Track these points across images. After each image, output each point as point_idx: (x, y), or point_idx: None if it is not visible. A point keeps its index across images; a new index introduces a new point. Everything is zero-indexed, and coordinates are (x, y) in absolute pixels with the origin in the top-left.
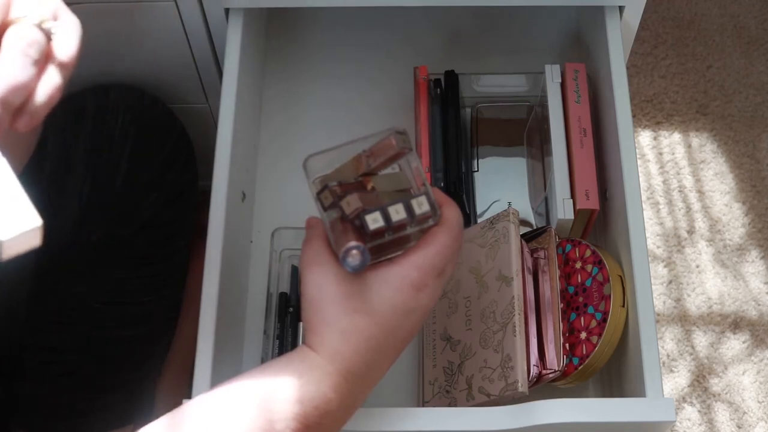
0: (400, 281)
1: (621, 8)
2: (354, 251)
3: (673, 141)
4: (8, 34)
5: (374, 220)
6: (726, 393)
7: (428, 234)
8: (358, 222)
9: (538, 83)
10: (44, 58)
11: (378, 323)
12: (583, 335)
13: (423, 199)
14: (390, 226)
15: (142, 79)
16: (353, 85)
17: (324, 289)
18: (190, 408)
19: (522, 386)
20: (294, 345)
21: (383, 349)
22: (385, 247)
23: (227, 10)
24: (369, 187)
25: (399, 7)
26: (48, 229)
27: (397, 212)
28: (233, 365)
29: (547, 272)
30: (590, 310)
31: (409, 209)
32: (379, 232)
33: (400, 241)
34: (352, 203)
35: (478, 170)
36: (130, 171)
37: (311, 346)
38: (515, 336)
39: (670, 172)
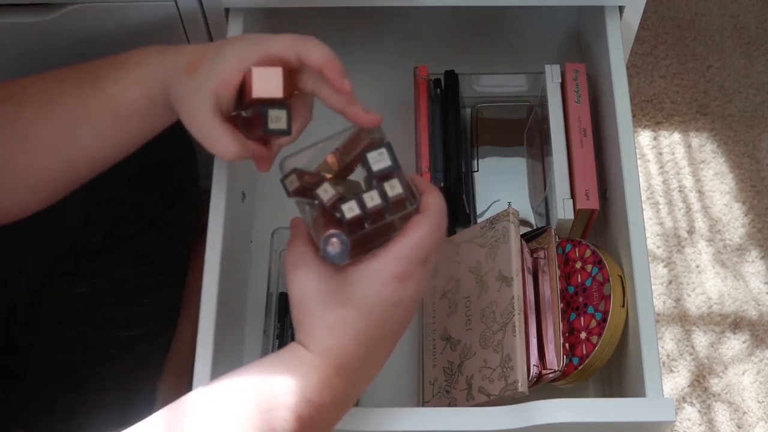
0: (383, 274)
1: (621, 8)
2: (333, 239)
3: (673, 141)
4: None
5: (350, 209)
6: (726, 393)
7: (409, 224)
8: (338, 214)
9: (538, 83)
10: None
11: (365, 317)
12: (583, 335)
13: (395, 181)
14: (366, 213)
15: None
16: (353, 84)
17: (309, 288)
18: (188, 401)
19: (522, 386)
20: None
21: (374, 342)
22: (368, 238)
23: (227, 10)
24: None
25: (399, 7)
26: (49, 230)
27: (372, 199)
28: (233, 365)
29: (547, 272)
30: (590, 310)
31: (383, 194)
32: (357, 221)
33: (383, 231)
34: (329, 190)
35: (478, 170)
36: (131, 171)
37: (301, 343)
38: (515, 336)
39: (670, 172)
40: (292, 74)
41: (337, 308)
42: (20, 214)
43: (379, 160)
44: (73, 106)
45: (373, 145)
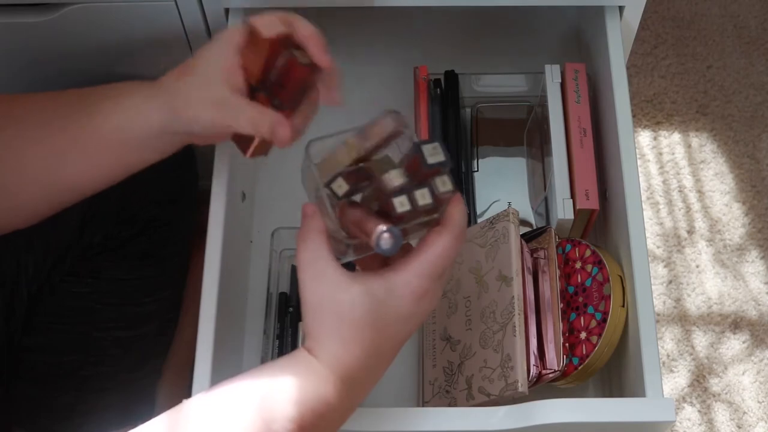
0: (402, 290)
1: (621, 8)
2: (385, 234)
3: (673, 141)
4: None
5: (401, 204)
6: (726, 393)
7: (429, 238)
8: (375, 205)
9: (538, 83)
10: None
11: (379, 331)
12: (583, 335)
13: (446, 177)
14: (416, 210)
15: (141, 79)
16: (353, 85)
17: (325, 296)
18: (189, 406)
19: (522, 386)
20: (294, 345)
21: (383, 354)
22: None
23: (227, 10)
24: (372, 172)
25: (399, 7)
26: (49, 231)
27: (423, 197)
28: (233, 365)
29: (547, 272)
30: (590, 310)
31: (432, 192)
32: (403, 217)
33: (407, 231)
34: (394, 179)
35: (478, 170)
36: None
37: (310, 351)
38: (515, 336)
39: (670, 172)
40: (275, 47)
41: (352, 323)
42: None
43: (433, 154)
44: (64, 132)
45: (399, 134)
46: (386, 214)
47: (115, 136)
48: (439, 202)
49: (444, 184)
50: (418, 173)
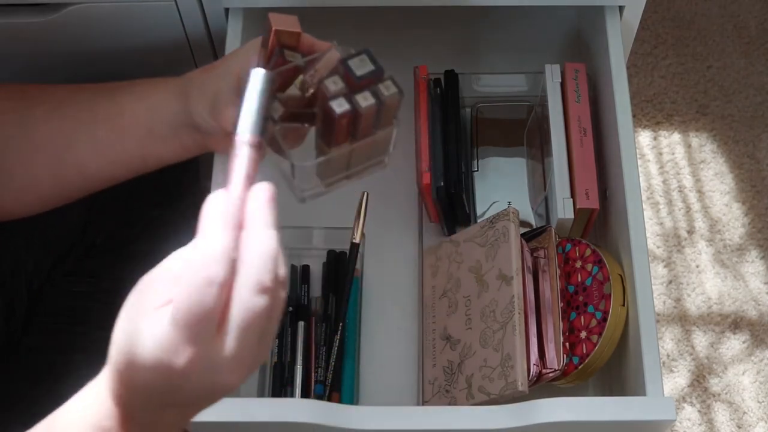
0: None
1: (621, 8)
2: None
3: (673, 141)
4: None
5: (339, 105)
6: (726, 393)
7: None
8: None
9: (538, 83)
10: None
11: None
12: (583, 334)
13: (389, 83)
14: (358, 113)
15: (141, 78)
16: None
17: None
18: None
19: (522, 385)
20: (293, 345)
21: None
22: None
23: (227, 10)
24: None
25: (399, 7)
26: (49, 231)
27: (365, 99)
28: None
29: (547, 271)
30: (590, 309)
31: (377, 96)
32: (344, 116)
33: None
34: (331, 84)
35: (478, 170)
36: None
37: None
38: (515, 335)
39: (670, 172)
40: (274, 44)
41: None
42: (3, 216)
43: (361, 66)
44: (82, 110)
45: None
46: None
47: (135, 121)
48: (387, 107)
49: (388, 88)
50: (356, 87)
